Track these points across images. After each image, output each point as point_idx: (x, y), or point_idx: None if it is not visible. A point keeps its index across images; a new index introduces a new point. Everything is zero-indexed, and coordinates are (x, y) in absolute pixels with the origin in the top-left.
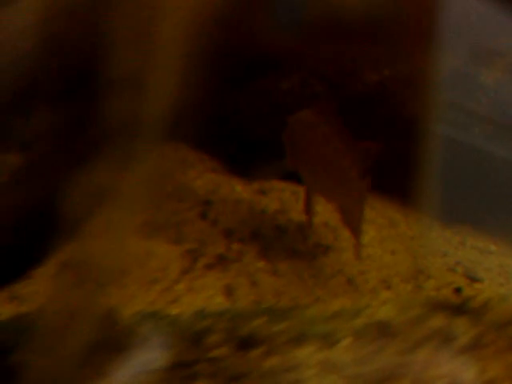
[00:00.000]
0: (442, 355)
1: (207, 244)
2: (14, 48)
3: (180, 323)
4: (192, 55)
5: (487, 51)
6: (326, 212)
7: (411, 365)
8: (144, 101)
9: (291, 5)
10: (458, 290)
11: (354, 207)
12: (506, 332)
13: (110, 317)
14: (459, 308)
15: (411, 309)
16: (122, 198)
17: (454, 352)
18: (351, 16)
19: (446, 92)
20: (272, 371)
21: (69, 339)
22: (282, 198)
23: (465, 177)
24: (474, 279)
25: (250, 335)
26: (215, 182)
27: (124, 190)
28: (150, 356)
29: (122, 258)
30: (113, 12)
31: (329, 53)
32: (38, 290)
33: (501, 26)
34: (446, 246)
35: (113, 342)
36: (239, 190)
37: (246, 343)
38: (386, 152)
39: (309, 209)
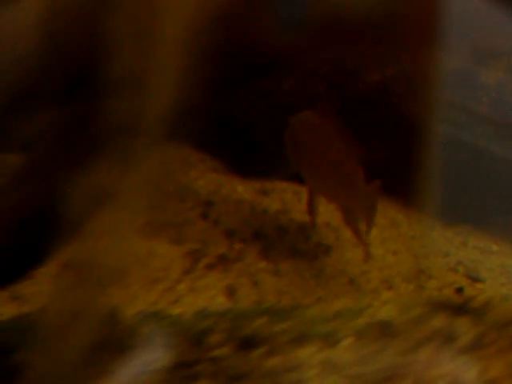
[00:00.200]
0: (443, 355)
1: (209, 244)
2: (15, 48)
3: (182, 323)
4: (193, 55)
5: (489, 51)
6: (327, 212)
7: (413, 364)
8: (145, 101)
9: (292, 4)
10: (459, 290)
11: (357, 208)
12: (507, 331)
13: (111, 317)
14: (461, 308)
15: (413, 309)
16: (123, 198)
17: (455, 352)
18: (353, 16)
19: (448, 92)
20: (273, 371)
21: (70, 339)
22: (283, 199)
23: (466, 177)
24: (475, 279)
25: (251, 335)
26: (217, 182)
27: (125, 190)
28: (152, 356)
29: (124, 258)
30: (114, 11)
31: (330, 53)
32: (39, 290)
33: (503, 26)
34: (448, 246)
35: (114, 341)
36: (241, 190)
37: (248, 343)
38: (388, 152)
39: (312, 209)
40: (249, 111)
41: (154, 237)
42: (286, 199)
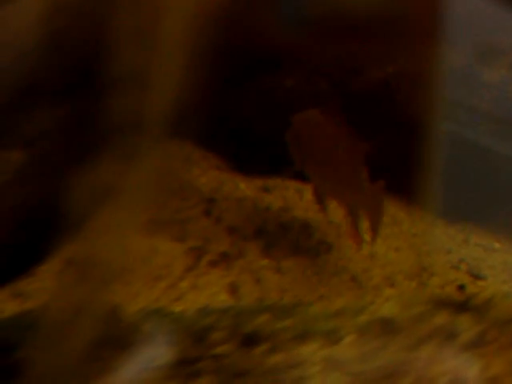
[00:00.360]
0: (445, 352)
1: (211, 241)
2: (17, 46)
3: (184, 320)
4: (195, 53)
5: (491, 49)
6: (329, 209)
7: (415, 361)
8: (148, 98)
9: (294, 2)
10: (461, 288)
11: (361, 205)
12: (509, 329)
13: (114, 314)
14: (463, 305)
15: (415, 306)
16: (125, 196)
17: (457, 349)
18: (355, 13)
19: (450, 89)
20: (276, 368)
21: (73, 336)
22: (285, 196)
23: (468, 174)
24: (477, 277)
25: (253, 332)
26: (219, 179)
27: (128, 187)
28: (154, 353)
29: (126, 255)
30: (115, 9)
31: (333, 50)
32: (42, 287)
33: (505, 24)
34: (450, 243)
35: (117, 338)
36: (243, 187)
37: (250, 340)
38: (390, 150)
39: (321, 200)
40: (251, 109)
41: (156, 234)
42: (288, 196)
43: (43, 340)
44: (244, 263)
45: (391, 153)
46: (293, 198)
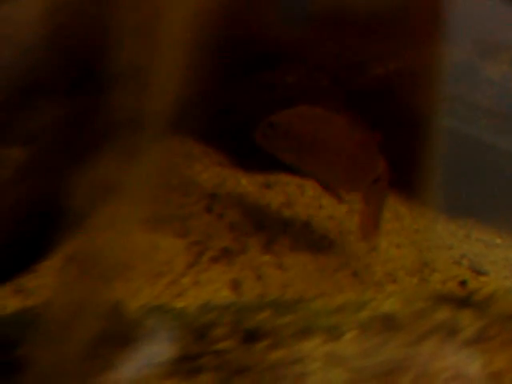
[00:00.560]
0: (447, 348)
1: (213, 237)
2: (18, 43)
3: (185, 316)
4: (197, 48)
5: (493, 44)
6: (330, 205)
7: (416, 357)
8: (149, 94)
9: None
10: (463, 283)
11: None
12: (510, 324)
13: (115, 310)
14: (464, 301)
15: (416, 302)
16: (127, 192)
17: (458, 344)
18: (356, 9)
19: (452, 85)
20: (277, 364)
21: (75, 332)
22: (287, 192)
23: (470, 170)
24: (479, 272)
25: (255, 328)
26: (221, 175)
27: (129, 183)
28: (156, 349)
29: (128, 251)
30: (117, 5)
31: (334, 46)
32: (43, 284)
33: (506, 19)
34: (452, 239)
35: (118, 335)
36: (245, 183)
37: (252, 336)
38: (391, 145)
39: (334, 192)
40: (252, 105)
41: (158, 230)
42: (289, 192)
43: (45, 337)
44: (246, 259)
45: (393, 149)
46: (294, 193)
